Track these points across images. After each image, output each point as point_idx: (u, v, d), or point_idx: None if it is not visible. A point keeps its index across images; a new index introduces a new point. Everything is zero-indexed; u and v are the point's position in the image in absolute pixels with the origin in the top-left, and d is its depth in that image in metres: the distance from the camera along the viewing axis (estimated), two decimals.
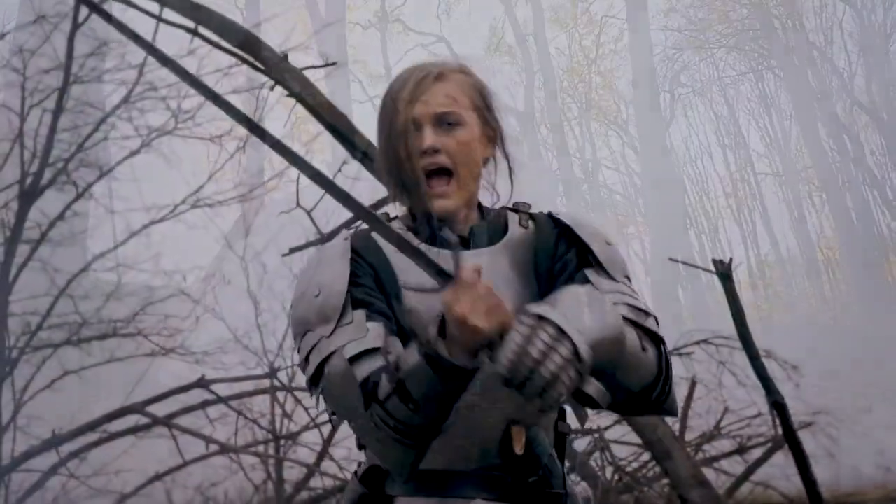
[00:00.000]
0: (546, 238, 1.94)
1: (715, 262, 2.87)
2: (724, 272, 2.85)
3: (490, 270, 1.81)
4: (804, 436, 6.03)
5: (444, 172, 1.84)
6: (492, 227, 1.94)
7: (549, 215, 2.01)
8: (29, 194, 7.96)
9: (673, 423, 5.66)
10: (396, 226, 1.91)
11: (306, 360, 1.77)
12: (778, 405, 2.97)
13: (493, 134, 1.94)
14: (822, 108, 29.52)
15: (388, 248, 1.82)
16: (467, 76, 1.92)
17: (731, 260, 2.86)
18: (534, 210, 2.01)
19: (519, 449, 1.77)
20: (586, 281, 1.83)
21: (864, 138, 30.62)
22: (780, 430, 4.56)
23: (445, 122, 1.84)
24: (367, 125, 4.55)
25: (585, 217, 2.07)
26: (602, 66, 35.33)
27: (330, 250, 1.85)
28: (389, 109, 1.86)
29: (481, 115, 1.90)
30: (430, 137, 1.82)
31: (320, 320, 1.77)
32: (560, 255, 1.92)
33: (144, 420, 6.71)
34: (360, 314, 1.77)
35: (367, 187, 4.43)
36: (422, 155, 1.81)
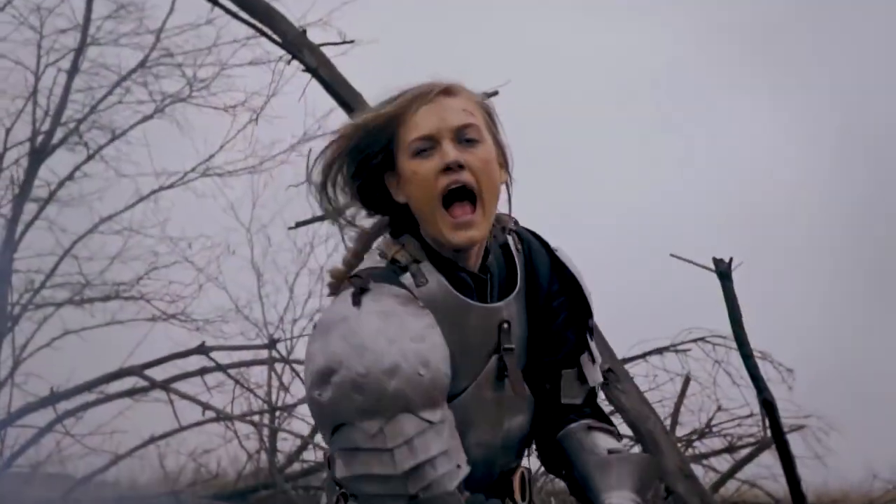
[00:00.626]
0: (542, 267, 1.87)
1: (715, 260, 2.89)
2: (724, 271, 2.88)
3: (514, 320, 1.80)
4: (795, 439, 6.08)
5: (467, 196, 1.63)
6: (497, 258, 1.81)
7: (538, 239, 1.89)
8: (39, 152, 8.00)
9: (664, 417, 5.70)
10: (435, 277, 1.69)
11: (397, 447, 1.57)
12: (767, 403, 2.99)
13: (503, 159, 1.75)
14: None
15: (436, 307, 1.65)
16: (471, 92, 1.72)
17: (731, 259, 2.88)
18: None
19: None
20: (575, 361, 1.85)
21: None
22: (769, 430, 4.58)
23: (465, 137, 1.63)
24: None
25: (574, 261, 1.97)
26: None
27: (411, 314, 1.62)
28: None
29: (493, 136, 1.70)
30: (453, 152, 1.60)
31: (426, 403, 1.59)
32: (554, 294, 1.85)
33: (142, 383, 6.76)
34: (449, 412, 1.65)
35: None
36: (443, 173, 1.60)
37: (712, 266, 2.92)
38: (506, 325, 1.73)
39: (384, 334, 1.56)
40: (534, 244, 1.87)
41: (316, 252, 8.42)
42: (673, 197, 9.96)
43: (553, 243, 1.91)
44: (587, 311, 1.86)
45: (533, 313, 1.82)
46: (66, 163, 8.25)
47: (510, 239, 1.83)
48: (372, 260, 1.71)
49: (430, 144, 1.62)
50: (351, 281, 1.63)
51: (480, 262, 1.73)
